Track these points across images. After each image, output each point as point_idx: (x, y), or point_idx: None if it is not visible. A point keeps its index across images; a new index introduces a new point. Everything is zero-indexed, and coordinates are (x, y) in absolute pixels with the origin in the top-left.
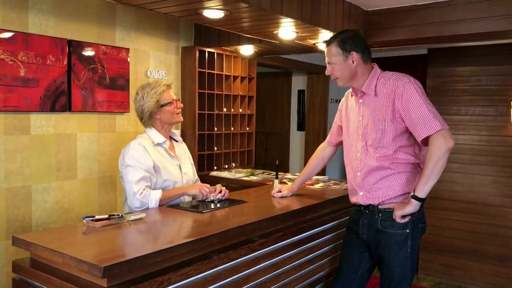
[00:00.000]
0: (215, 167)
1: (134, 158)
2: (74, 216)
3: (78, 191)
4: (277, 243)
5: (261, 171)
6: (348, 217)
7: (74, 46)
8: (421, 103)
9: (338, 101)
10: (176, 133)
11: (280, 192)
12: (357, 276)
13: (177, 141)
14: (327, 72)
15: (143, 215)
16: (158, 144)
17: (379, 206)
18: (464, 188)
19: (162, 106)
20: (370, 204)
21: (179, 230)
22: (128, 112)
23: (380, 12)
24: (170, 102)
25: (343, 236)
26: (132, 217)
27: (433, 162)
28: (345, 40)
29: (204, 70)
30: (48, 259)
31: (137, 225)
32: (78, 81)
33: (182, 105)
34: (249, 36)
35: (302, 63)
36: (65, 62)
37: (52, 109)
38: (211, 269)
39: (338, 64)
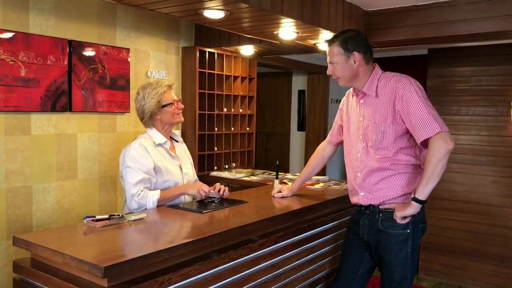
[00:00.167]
0: (216, 167)
1: (135, 159)
2: (74, 216)
3: (78, 191)
4: (278, 243)
5: (262, 171)
6: (348, 217)
7: (75, 46)
8: (421, 105)
9: (338, 101)
10: (177, 133)
11: (281, 192)
12: (357, 276)
13: (177, 141)
14: (328, 72)
15: (143, 215)
16: (159, 145)
17: (380, 206)
18: (465, 188)
19: (163, 106)
20: (370, 204)
21: (179, 230)
22: (129, 112)
23: (380, 12)
24: (171, 103)
25: (344, 236)
26: (133, 217)
27: (433, 164)
28: (347, 40)
29: (204, 70)
30: (49, 259)
31: (138, 225)
32: (79, 81)
33: (183, 106)
34: (249, 36)
35: (302, 63)
36: (66, 62)
37: (53, 109)
38: (211, 269)
39: (339, 64)
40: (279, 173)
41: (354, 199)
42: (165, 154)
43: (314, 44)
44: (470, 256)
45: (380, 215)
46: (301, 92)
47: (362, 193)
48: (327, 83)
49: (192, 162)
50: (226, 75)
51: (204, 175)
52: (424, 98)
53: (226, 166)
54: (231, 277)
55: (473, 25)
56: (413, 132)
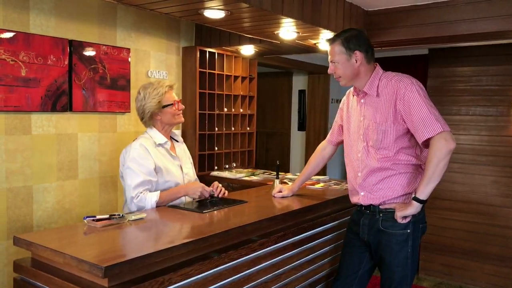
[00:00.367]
0: (216, 167)
1: (135, 160)
2: (75, 216)
3: (79, 191)
4: (278, 243)
5: (262, 171)
6: (348, 217)
7: (75, 46)
8: (422, 105)
9: (338, 101)
10: (177, 133)
11: (281, 192)
12: (358, 276)
13: (177, 141)
14: (329, 71)
15: (143, 215)
16: (160, 145)
17: (380, 206)
18: (465, 188)
19: (163, 107)
20: (371, 204)
21: (179, 230)
22: (129, 112)
23: (381, 12)
24: (172, 104)
25: (344, 236)
26: (133, 217)
27: (434, 164)
28: (349, 39)
29: (205, 70)
30: (49, 259)
31: (138, 225)
32: (79, 81)
33: (183, 106)
34: (250, 36)
35: (302, 63)
36: (66, 62)
37: (53, 109)
38: (211, 269)
39: (341, 63)
40: (280, 173)
41: (354, 199)
42: (165, 154)
43: (315, 44)
44: (470, 256)
45: (381, 215)
46: (301, 92)
47: (362, 193)
48: (327, 83)
49: (192, 162)
50: (226, 75)
51: (204, 175)
52: (426, 98)
53: (227, 166)
54: (231, 277)
55: (473, 25)
56: (414, 132)
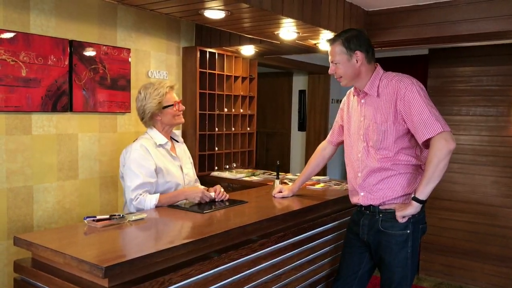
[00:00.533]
0: (216, 167)
1: (136, 161)
2: (75, 216)
3: (79, 191)
4: (278, 243)
5: (262, 171)
6: (348, 217)
7: (75, 47)
8: (422, 105)
9: (339, 101)
10: (177, 133)
11: (281, 192)
12: (358, 276)
13: (177, 142)
14: (330, 71)
15: (144, 215)
16: (160, 145)
17: (380, 207)
18: (465, 189)
19: (164, 107)
20: (370, 205)
21: (180, 230)
22: (129, 112)
23: (381, 12)
24: (172, 104)
25: (344, 237)
26: (133, 218)
27: (434, 164)
28: (349, 39)
29: (205, 71)
30: (50, 259)
31: (138, 225)
32: (80, 82)
33: (184, 107)
34: (250, 36)
35: (303, 63)
36: (67, 63)
37: (54, 109)
38: (212, 269)
39: (342, 63)
40: (280, 173)
41: (354, 199)
42: (165, 154)
43: (315, 44)
44: (470, 256)
45: (380, 215)
46: (301, 92)
47: (362, 193)
48: (327, 83)
49: (192, 162)
50: (226, 75)
51: (204, 175)
52: (426, 98)
53: (227, 166)
54: (231, 277)
55: (474, 25)
56: (414, 132)
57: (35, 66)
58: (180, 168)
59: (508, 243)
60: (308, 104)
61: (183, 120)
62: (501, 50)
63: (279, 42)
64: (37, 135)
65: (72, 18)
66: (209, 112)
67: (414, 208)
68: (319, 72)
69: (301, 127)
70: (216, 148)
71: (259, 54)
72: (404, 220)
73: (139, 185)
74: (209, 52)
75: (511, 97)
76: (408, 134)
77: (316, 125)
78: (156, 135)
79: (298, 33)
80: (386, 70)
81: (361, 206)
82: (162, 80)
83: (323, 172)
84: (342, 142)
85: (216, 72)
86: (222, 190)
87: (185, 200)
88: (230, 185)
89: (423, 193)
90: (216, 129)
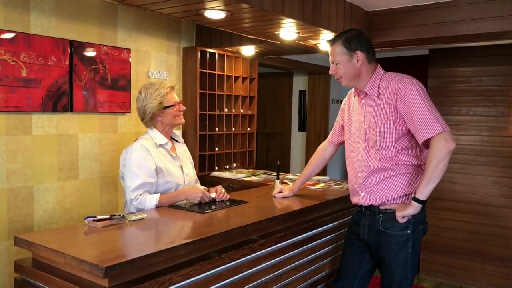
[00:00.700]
0: (216, 168)
1: (136, 161)
2: (75, 216)
3: (79, 191)
4: (278, 243)
5: (262, 171)
6: (349, 217)
7: (76, 47)
8: (422, 105)
9: (339, 101)
10: (177, 133)
11: (281, 192)
12: (358, 277)
13: (178, 142)
14: (331, 72)
15: (144, 215)
16: (160, 145)
17: (380, 207)
18: (465, 189)
19: (164, 108)
20: (371, 205)
21: (180, 230)
22: (130, 112)
23: (381, 13)
24: (173, 105)
25: (344, 237)
26: (134, 218)
27: (434, 164)
28: (350, 39)
29: (205, 71)
30: (50, 259)
31: (139, 226)
32: (80, 82)
33: (184, 107)
34: (250, 36)
35: (303, 64)
36: (67, 63)
37: (54, 110)
38: (212, 270)
39: (342, 63)
40: (280, 173)
41: (354, 200)
42: (166, 154)
43: (315, 44)
44: (471, 256)
45: (381, 215)
46: (302, 92)
47: (362, 194)
48: (328, 83)
49: (193, 162)
50: (227, 76)
51: (205, 175)
52: (426, 98)
53: (227, 166)
54: (231, 277)
55: (474, 25)
56: (414, 133)
57: (36, 66)
58: (180, 168)
59: (508, 243)
60: (309, 104)
61: (183, 120)
62: (501, 50)
63: (279, 43)
64: (37, 135)
65: (73, 18)
66: (209, 112)
67: (414, 208)
68: (319, 73)
69: (302, 127)
70: (217, 148)
71: (259, 54)
72: (404, 220)
73: (139, 185)
74: (210, 52)
75: (511, 97)
76: (409, 134)
77: (317, 126)
78: (156, 135)
79: (298, 33)
80: (387, 71)
81: (361, 206)
82: (163, 80)
83: (323, 172)
84: (342, 143)
85: (217, 72)
86: (224, 190)
87: (185, 200)
88: (230, 185)
89: (423, 193)
90: (217, 129)
